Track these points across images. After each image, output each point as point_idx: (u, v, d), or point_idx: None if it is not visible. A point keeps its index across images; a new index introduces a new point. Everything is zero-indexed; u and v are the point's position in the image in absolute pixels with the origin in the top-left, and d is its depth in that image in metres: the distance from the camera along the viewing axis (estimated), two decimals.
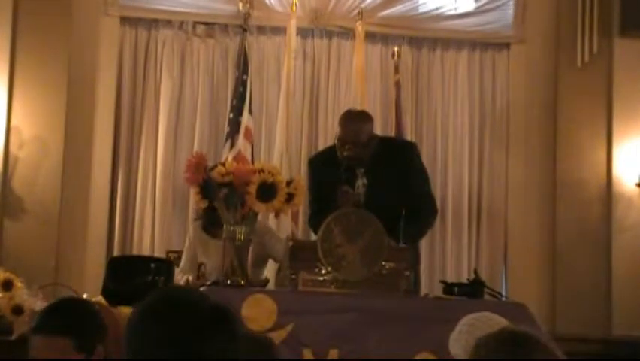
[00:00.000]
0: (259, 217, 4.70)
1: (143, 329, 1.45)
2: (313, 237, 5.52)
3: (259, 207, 3.87)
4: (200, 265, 4.57)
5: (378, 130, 6.18)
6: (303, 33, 6.26)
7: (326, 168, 4.41)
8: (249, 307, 3.59)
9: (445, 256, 6.20)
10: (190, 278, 4.56)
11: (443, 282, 4.24)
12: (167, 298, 1.50)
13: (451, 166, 6.30)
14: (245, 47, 6.05)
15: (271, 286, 4.54)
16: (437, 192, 6.19)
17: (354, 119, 4.41)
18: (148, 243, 5.99)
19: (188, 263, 4.71)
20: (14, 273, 5.06)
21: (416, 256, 4.43)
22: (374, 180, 4.31)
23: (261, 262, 4.67)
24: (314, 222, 4.37)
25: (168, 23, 6.22)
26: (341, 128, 4.37)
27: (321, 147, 6.14)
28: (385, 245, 3.84)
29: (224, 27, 6.26)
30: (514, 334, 1.78)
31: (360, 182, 4.32)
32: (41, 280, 5.17)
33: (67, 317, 2.36)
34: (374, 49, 6.37)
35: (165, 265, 5.00)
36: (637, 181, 6.01)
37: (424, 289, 4.65)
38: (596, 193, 6.07)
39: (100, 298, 4.35)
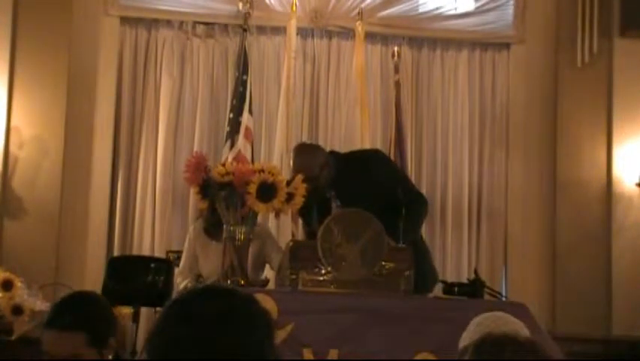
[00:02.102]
0: (260, 220, 4.70)
1: (154, 328, 1.48)
2: None
3: (259, 207, 3.86)
4: (198, 276, 4.54)
5: (378, 130, 6.22)
6: (303, 33, 6.26)
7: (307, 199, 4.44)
8: None
9: (445, 256, 6.20)
10: (189, 285, 4.51)
11: (443, 282, 4.25)
12: (178, 299, 1.52)
13: (451, 166, 6.30)
14: (245, 47, 6.04)
15: (271, 286, 4.54)
16: (437, 192, 6.21)
17: (299, 156, 4.43)
18: (148, 243, 5.99)
19: (188, 264, 4.68)
20: (14, 273, 5.07)
21: (423, 250, 4.44)
22: (346, 199, 4.31)
23: (258, 265, 4.65)
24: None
25: (168, 23, 6.22)
26: (292, 164, 4.42)
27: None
28: (385, 245, 3.84)
29: (224, 27, 6.26)
30: (495, 337, 1.78)
31: (334, 205, 4.35)
32: (41, 280, 5.18)
33: (79, 311, 2.37)
34: (374, 49, 6.37)
35: (165, 265, 5.00)
36: (637, 181, 6.01)
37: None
38: (596, 193, 6.08)
39: None
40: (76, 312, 2.37)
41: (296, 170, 4.30)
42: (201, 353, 1.41)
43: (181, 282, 4.61)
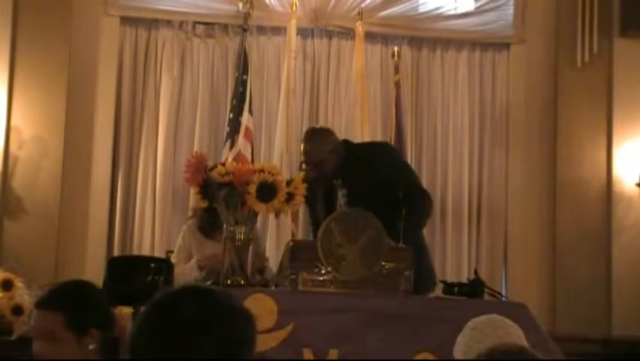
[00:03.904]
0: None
1: (135, 326, 1.49)
2: None
3: (259, 207, 3.86)
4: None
5: (378, 130, 6.21)
6: (303, 33, 6.26)
7: (314, 186, 4.47)
8: (249, 307, 3.58)
9: (445, 256, 6.20)
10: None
11: (443, 282, 4.24)
12: (160, 298, 1.52)
13: (451, 166, 6.30)
14: (245, 47, 6.05)
15: None
16: (437, 192, 6.20)
17: (309, 140, 4.45)
18: (148, 243, 5.99)
19: (184, 258, 4.69)
20: (14, 273, 5.07)
21: (422, 251, 4.43)
22: (352, 189, 4.33)
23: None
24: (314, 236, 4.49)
25: (168, 23, 6.22)
26: (301, 149, 4.45)
27: None
28: (385, 245, 3.84)
29: (224, 27, 6.26)
30: (507, 353, 1.77)
31: (340, 193, 4.35)
32: (41, 280, 5.17)
33: (60, 293, 2.45)
34: (374, 49, 6.36)
35: (165, 265, 4.98)
36: (637, 181, 6.01)
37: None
38: (596, 193, 6.08)
39: None
40: (57, 293, 2.44)
41: (303, 154, 4.36)
42: (178, 354, 1.42)
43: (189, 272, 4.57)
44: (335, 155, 4.34)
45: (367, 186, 4.26)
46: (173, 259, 4.69)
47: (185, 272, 4.51)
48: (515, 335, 2.42)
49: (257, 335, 1.54)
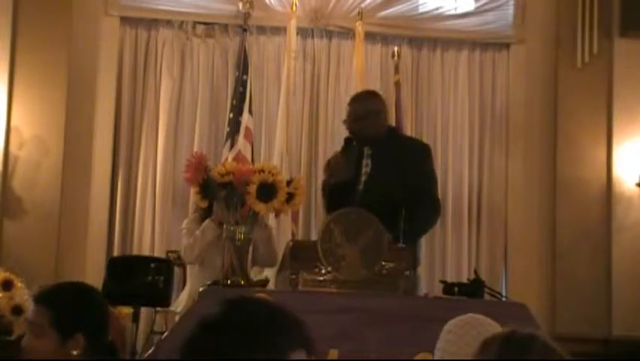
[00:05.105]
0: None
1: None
2: (313, 237, 5.57)
3: (259, 207, 3.86)
4: None
5: None
6: (303, 33, 6.26)
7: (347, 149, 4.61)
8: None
9: (445, 256, 6.20)
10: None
11: (443, 282, 4.24)
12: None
13: (451, 166, 6.30)
14: (245, 47, 6.05)
15: (271, 286, 4.54)
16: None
17: (355, 98, 4.68)
18: (148, 243, 5.99)
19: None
20: (14, 273, 5.07)
21: (414, 256, 4.44)
22: (378, 164, 4.39)
23: None
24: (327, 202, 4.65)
25: (168, 23, 6.22)
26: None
27: (321, 147, 6.17)
28: (385, 245, 3.84)
29: (224, 27, 6.26)
30: (519, 337, 1.77)
31: (365, 162, 4.41)
32: (41, 280, 5.17)
33: (55, 291, 2.46)
34: (374, 49, 6.36)
35: (165, 265, 5.01)
36: (637, 181, 6.01)
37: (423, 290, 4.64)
38: (596, 193, 6.07)
39: None
40: (52, 290, 2.46)
41: (348, 110, 4.60)
42: (189, 355, 1.44)
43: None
44: (376, 119, 4.48)
45: (395, 170, 4.31)
46: (184, 243, 4.78)
47: (206, 230, 4.65)
48: (491, 333, 2.41)
49: (278, 338, 1.54)
